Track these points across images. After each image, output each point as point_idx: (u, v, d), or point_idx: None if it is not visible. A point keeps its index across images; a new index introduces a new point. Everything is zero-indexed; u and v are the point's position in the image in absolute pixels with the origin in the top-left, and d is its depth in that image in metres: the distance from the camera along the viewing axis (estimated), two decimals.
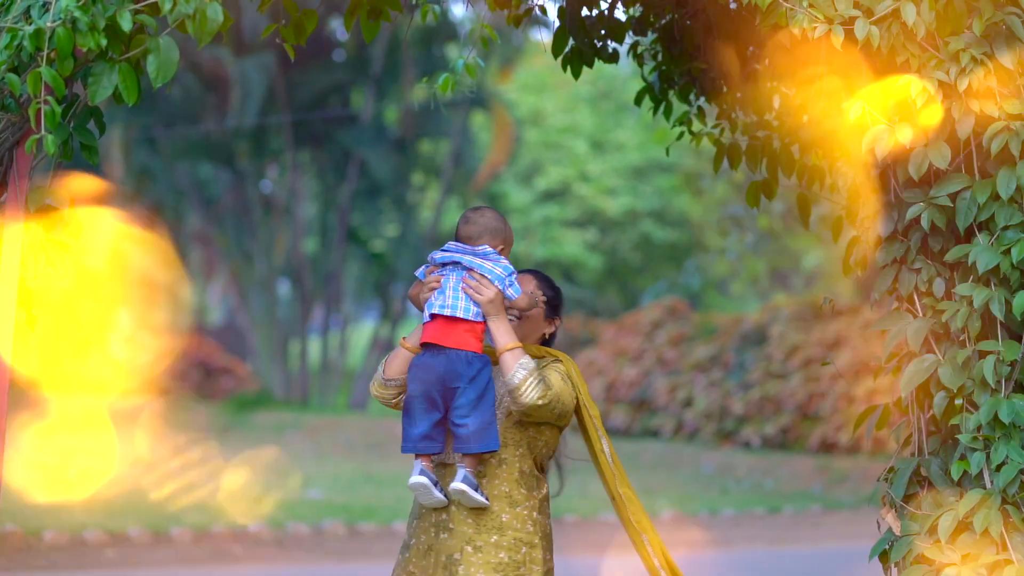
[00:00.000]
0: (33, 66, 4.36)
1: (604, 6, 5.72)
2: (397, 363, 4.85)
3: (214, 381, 27.94)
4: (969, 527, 4.57)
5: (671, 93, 5.88)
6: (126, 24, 4.30)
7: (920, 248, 4.80)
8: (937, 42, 4.62)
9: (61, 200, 4.59)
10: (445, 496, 4.73)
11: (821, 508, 15.21)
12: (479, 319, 4.77)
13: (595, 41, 5.74)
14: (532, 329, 4.90)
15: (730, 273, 26.51)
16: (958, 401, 4.67)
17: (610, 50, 5.78)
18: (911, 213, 4.71)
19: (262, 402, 26.16)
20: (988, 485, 4.60)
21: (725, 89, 5.77)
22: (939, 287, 4.74)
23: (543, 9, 5.69)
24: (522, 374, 4.70)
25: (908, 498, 4.76)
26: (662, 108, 5.91)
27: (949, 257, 4.72)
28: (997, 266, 4.61)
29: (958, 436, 4.65)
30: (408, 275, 26.98)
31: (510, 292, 4.79)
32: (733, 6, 5.40)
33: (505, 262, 4.81)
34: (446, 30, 26.20)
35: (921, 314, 4.77)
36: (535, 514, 4.83)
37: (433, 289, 4.80)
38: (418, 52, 26.45)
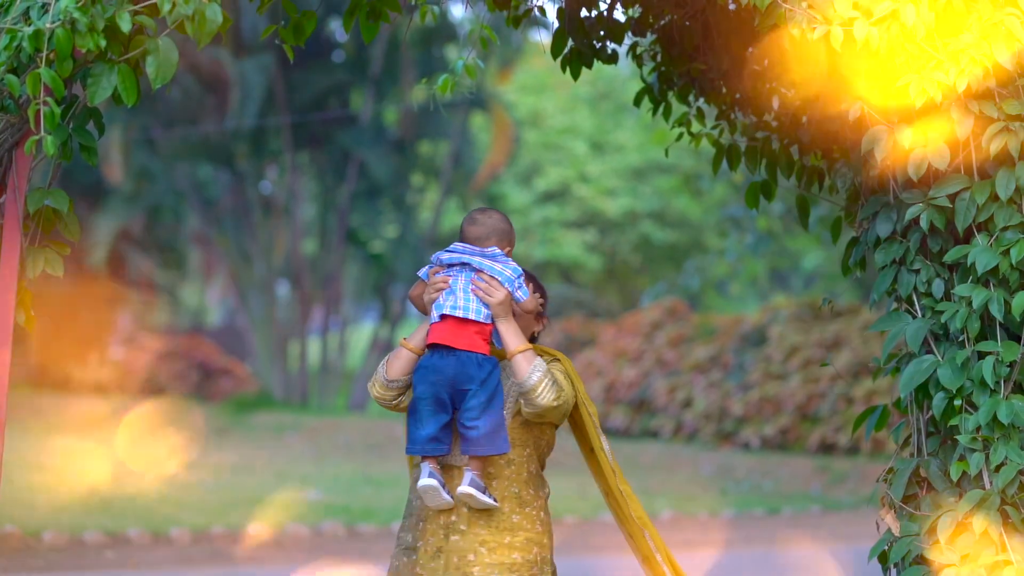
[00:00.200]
0: (32, 67, 4.37)
1: (603, 7, 5.72)
2: (399, 364, 4.82)
3: (213, 382, 27.94)
4: (968, 528, 4.57)
5: (670, 94, 5.89)
6: (125, 25, 4.30)
7: (919, 249, 4.80)
8: (936, 43, 4.62)
9: (60, 201, 4.59)
10: (451, 498, 4.72)
11: (820, 509, 15.21)
12: (488, 321, 4.77)
13: (594, 42, 5.75)
14: (524, 328, 4.91)
15: (729, 274, 26.51)
16: (957, 402, 4.67)
17: (609, 51, 5.78)
18: (910, 214, 4.72)
19: (261, 403, 26.17)
20: (987, 486, 4.60)
21: (724, 90, 5.77)
22: (938, 288, 4.75)
23: (542, 10, 5.69)
24: (537, 376, 4.72)
25: (907, 499, 4.77)
26: (661, 109, 5.91)
27: (948, 258, 4.72)
28: (996, 267, 4.61)
29: (957, 437, 4.66)
30: (407, 276, 26.97)
31: (519, 294, 4.80)
32: (732, 7, 5.40)
33: (514, 264, 4.82)
34: (445, 31, 26.21)
35: (920, 315, 4.78)
36: (542, 514, 4.86)
37: (440, 290, 4.78)
38: (417, 53, 26.46)
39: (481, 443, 4.68)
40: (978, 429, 4.62)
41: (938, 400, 4.69)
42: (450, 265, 4.82)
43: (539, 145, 32.03)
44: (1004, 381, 4.64)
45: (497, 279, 4.77)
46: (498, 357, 4.82)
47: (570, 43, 5.71)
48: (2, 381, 4.53)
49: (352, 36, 23.23)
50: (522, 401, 4.77)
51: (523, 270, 4.90)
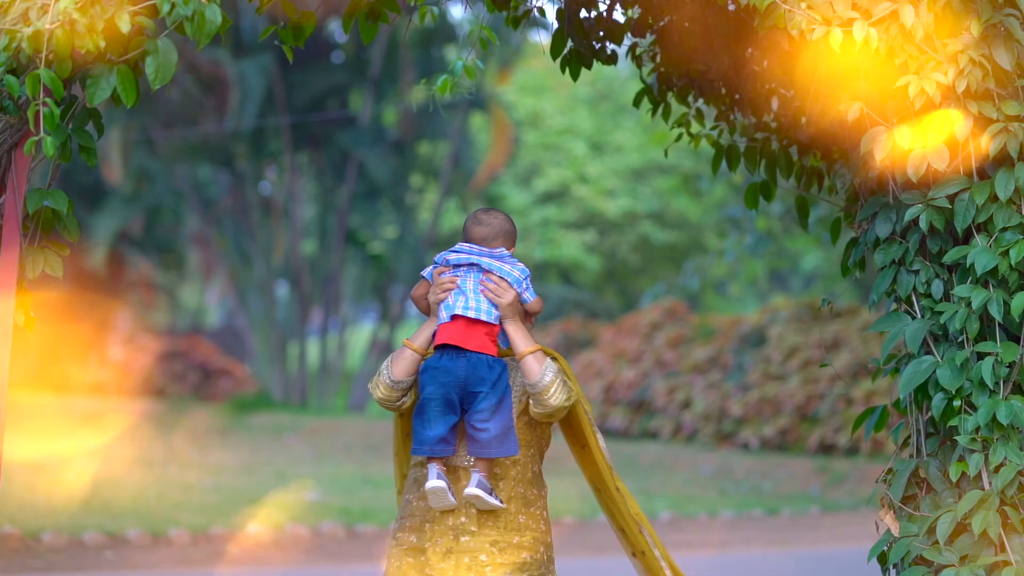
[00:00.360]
0: (32, 68, 4.37)
1: (602, 8, 5.72)
2: (404, 365, 4.80)
3: (213, 383, 27.94)
4: (968, 528, 4.58)
5: (669, 95, 5.89)
6: (124, 26, 4.30)
7: (918, 249, 4.81)
8: (935, 44, 4.62)
9: (59, 202, 4.59)
10: (455, 500, 4.72)
11: (820, 510, 15.21)
12: (497, 322, 4.77)
13: (593, 43, 5.75)
14: None
15: (729, 275, 26.50)
16: (956, 402, 4.67)
17: (608, 52, 5.78)
18: (909, 214, 4.72)
19: (261, 404, 26.17)
20: (986, 486, 4.60)
21: (723, 91, 5.77)
22: (937, 288, 4.75)
23: (542, 11, 5.69)
24: (550, 376, 4.74)
25: (907, 499, 4.77)
26: (661, 110, 5.91)
27: (947, 258, 4.72)
28: (995, 267, 4.61)
29: (956, 438, 4.66)
30: (407, 277, 26.99)
31: (526, 295, 4.80)
32: (731, 8, 5.40)
33: (522, 265, 4.83)
34: (445, 32, 26.21)
35: (919, 315, 4.78)
36: (545, 513, 4.89)
37: (448, 290, 4.77)
38: (417, 54, 26.46)
39: (491, 445, 4.69)
40: (977, 430, 4.62)
41: (937, 401, 4.69)
42: (457, 265, 4.81)
43: (538, 146, 32.04)
44: (1003, 382, 4.64)
45: (506, 280, 4.78)
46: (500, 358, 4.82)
47: (569, 44, 5.71)
48: (1, 382, 4.53)
49: (351, 37, 23.23)
50: (531, 401, 4.78)
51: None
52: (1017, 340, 4.68)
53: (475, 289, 4.76)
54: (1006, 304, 4.63)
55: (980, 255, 4.62)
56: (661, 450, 19.67)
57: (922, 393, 4.76)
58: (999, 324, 4.68)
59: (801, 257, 26.55)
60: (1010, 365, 4.64)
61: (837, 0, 4.57)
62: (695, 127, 5.94)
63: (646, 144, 30.45)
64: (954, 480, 4.65)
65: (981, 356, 4.67)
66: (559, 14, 5.67)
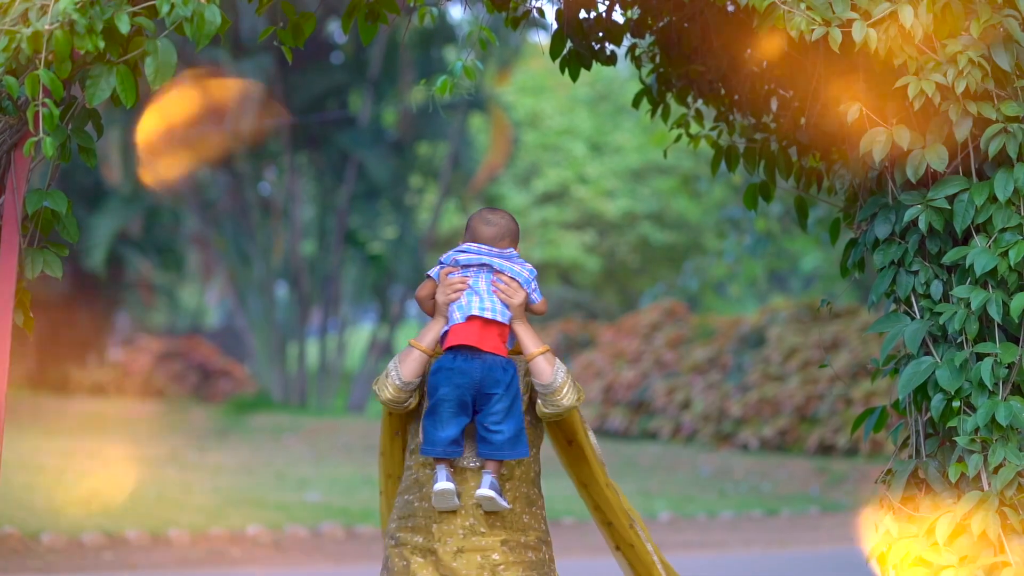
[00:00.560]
0: (31, 68, 4.36)
1: (602, 8, 5.72)
2: (414, 366, 4.78)
3: (212, 383, 27.94)
4: (967, 529, 4.58)
5: (669, 95, 5.89)
6: (124, 26, 4.30)
7: (918, 250, 4.81)
8: (935, 44, 4.62)
9: (59, 202, 4.59)
10: (459, 501, 4.73)
11: (819, 510, 15.22)
12: (509, 322, 4.77)
13: (593, 43, 5.75)
14: None
15: (728, 275, 26.50)
16: (956, 403, 4.67)
17: (608, 52, 5.78)
18: (909, 215, 4.72)
19: (260, 404, 26.16)
20: (986, 487, 4.60)
21: (723, 91, 5.77)
22: (937, 289, 4.75)
23: (541, 11, 5.69)
24: (562, 377, 4.77)
25: (906, 500, 4.77)
26: (660, 110, 5.91)
27: (947, 259, 4.72)
28: (995, 268, 4.61)
29: (956, 438, 4.66)
30: (406, 277, 26.98)
31: (534, 296, 4.81)
32: (731, 8, 5.40)
33: (530, 266, 4.83)
34: (444, 32, 26.20)
35: (919, 316, 4.78)
36: (543, 512, 4.91)
37: (459, 291, 4.76)
38: (416, 54, 26.45)
39: (505, 447, 4.70)
40: (976, 430, 4.62)
41: (936, 401, 4.69)
42: (466, 266, 4.80)
43: (538, 146, 32.04)
44: (1002, 382, 4.65)
45: (517, 280, 4.78)
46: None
47: (569, 44, 5.71)
48: (1, 382, 4.53)
49: (351, 38, 23.23)
50: (541, 402, 4.79)
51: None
52: (1016, 341, 4.68)
53: (488, 290, 4.75)
54: (1005, 305, 4.63)
55: (979, 256, 4.62)
56: (660, 451, 19.67)
57: (921, 394, 4.76)
58: (998, 325, 4.68)
59: (800, 258, 26.55)
60: (1009, 366, 4.64)
61: (836, 1, 4.57)
62: (694, 128, 5.94)
63: (645, 145, 30.45)
64: (953, 481, 4.65)
65: (980, 357, 4.67)
66: (558, 15, 5.67)
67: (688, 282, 26.64)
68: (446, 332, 4.78)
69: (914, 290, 4.79)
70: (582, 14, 5.70)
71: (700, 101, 5.88)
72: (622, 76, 30.70)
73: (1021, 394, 4.68)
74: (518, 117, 31.17)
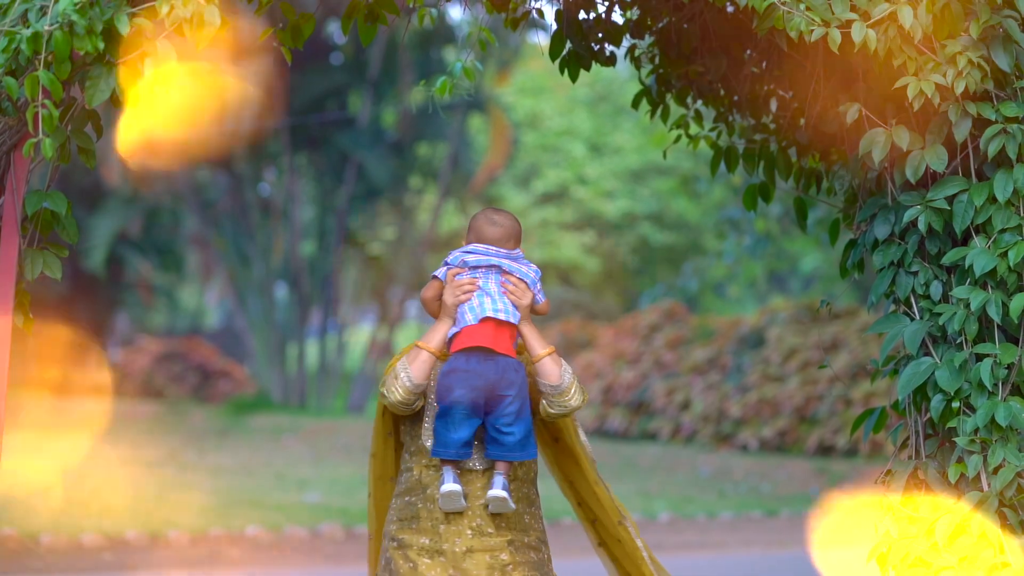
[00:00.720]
0: (31, 69, 4.36)
1: (601, 9, 5.72)
2: (424, 367, 4.76)
3: (212, 384, 27.95)
4: (967, 530, 4.57)
5: (668, 96, 5.88)
6: (123, 27, 4.30)
7: (917, 251, 4.81)
8: (934, 45, 4.62)
9: (58, 203, 4.59)
10: (466, 503, 4.73)
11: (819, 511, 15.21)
12: (518, 323, 4.77)
13: (592, 44, 5.74)
14: None
15: (728, 276, 26.51)
16: (955, 404, 4.67)
17: (607, 53, 5.77)
18: (908, 216, 4.72)
19: (260, 405, 26.16)
20: (985, 488, 4.60)
21: (722, 92, 5.77)
22: (936, 290, 4.75)
23: (540, 12, 5.69)
24: (568, 378, 4.80)
25: (906, 501, 4.76)
26: (659, 111, 5.91)
27: (946, 260, 4.72)
28: (994, 269, 4.61)
29: (955, 439, 4.66)
30: (406, 278, 26.98)
31: (539, 296, 4.82)
32: (730, 9, 5.40)
33: (535, 266, 4.83)
34: (443, 33, 26.21)
35: (918, 317, 4.78)
36: (540, 512, 4.93)
37: (469, 292, 4.75)
38: (415, 55, 26.46)
39: (516, 449, 4.71)
40: (976, 431, 4.62)
41: (936, 402, 4.69)
42: (474, 267, 4.79)
43: (537, 147, 32.05)
44: (1002, 383, 4.65)
45: (525, 282, 4.78)
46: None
47: (568, 45, 5.71)
48: (0, 383, 4.53)
49: (350, 38, 23.24)
50: (547, 403, 4.81)
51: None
52: (1016, 341, 4.68)
53: (499, 291, 4.75)
54: (1005, 305, 4.63)
55: (979, 256, 4.62)
56: (660, 451, 19.67)
57: (921, 394, 4.76)
58: (998, 325, 4.68)
59: (800, 258, 26.56)
60: (1009, 367, 4.64)
61: (836, 1, 4.57)
62: (694, 128, 5.94)
63: (645, 145, 30.47)
64: (953, 481, 4.65)
65: (980, 358, 4.67)
66: (558, 15, 5.67)
67: (688, 283, 26.66)
68: (455, 334, 4.76)
69: (913, 291, 4.79)
70: (581, 15, 5.70)
71: (699, 102, 5.88)
72: (621, 77, 30.70)
73: (1020, 395, 4.68)
74: (518, 118, 31.18)
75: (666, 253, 32.17)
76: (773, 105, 5.68)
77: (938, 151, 4.67)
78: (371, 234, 29.24)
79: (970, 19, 4.61)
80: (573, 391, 4.79)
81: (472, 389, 4.67)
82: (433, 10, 5.20)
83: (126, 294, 31.90)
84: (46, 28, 4.29)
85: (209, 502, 13.76)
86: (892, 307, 4.89)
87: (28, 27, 4.33)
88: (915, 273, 4.79)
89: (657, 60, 5.83)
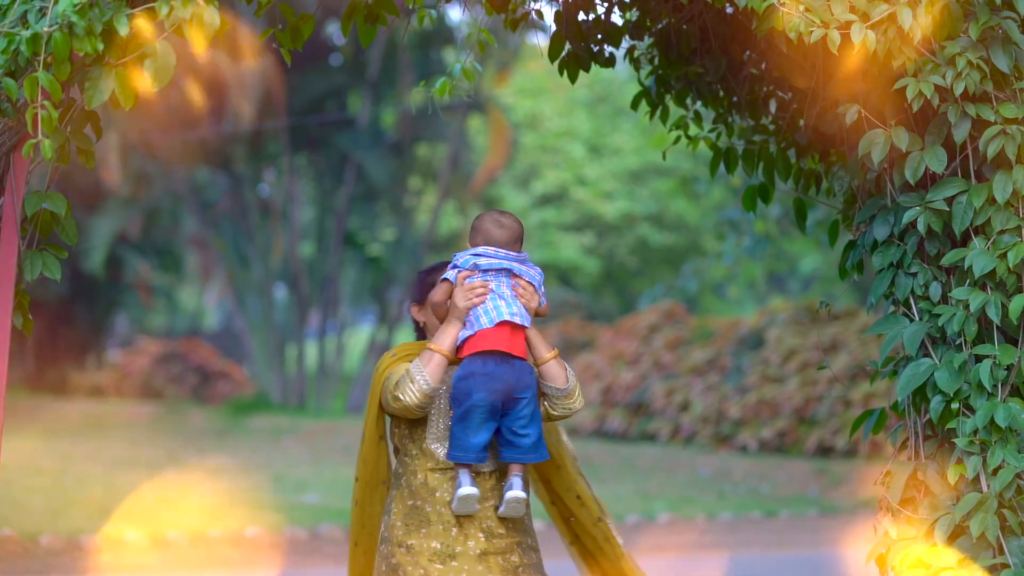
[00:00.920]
0: (30, 70, 4.36)
1: (600, 10, 5.72)
2: (439, 370, 4.74)
3: (211, 385, 27.94)
4: (966, 531, 4.57)
5: (668, 97, 5.88)
6: (123, 28, 4.30)
7: (916, 252, 4.81)
8: (933, 46, 4.62)
9: (58, 204, 4.59)
10: (478, 506, 4.74)
11: (818, 512, 15.22)
12: (528, 326, 4.79)
13: (592, 45, 5.74)
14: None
15: (727, 277, 26.52)
16: (955, 405, 4.67)
17: (607, 54, 5.77)
18: (907, 217, 4.72)
19: (259, 406, 26.16)
20: (985, 489, 4.60)
21: (722, 93, 5.77)
22: (935, 291, 4.75)
23: (540, 13, 5.69)
24: (573, 380, 4.85)
25: (905, 502, 4.77)
26: (659, 112, 5.90)
27: (945, 261, 4.72)
28: (993, 270, 4.61)
29: (955, 440, 4.66)
30: (405, 279, 26.96)
31: (542, 299, 4.83)
32: (729, 10, 5.40)
33: (539, 268, 4.84)
34: (443, 34, 26.22)
35: (918, 318, 4.78)
36: (530, 512, 4.94)
37: (481, 295, 4.74)
38: (415, 56, 26.46)
39: (531, 451, 4.72)
40: (975, 432, 4.62)
41: (935, 403, 4.69)
42: (485, 270, 4.78)
43: (537, 148, 32.05)
44: (1001, 384, 4.65)
45: (533, 285, 4.79)
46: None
47: (567, 46, 5.71)
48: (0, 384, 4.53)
49: (350, 39, 23.23)
50: (550, 405, 4.83)
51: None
52: (1015, 343, 4.68)
53: (511, 294, 4.75)
54: (1004, 307, 4.63)
55: (978, 257, 4.62)
56: (659, 452, 19.67)
57: (920, 395, 4.76)
58: (997, 327, 4.68)
59: (799, 259, 26.57)
60: (1008, 368, 4.64)
61: (835, 2, 4.57)
62: (693, 129, 5.94)
63: (644, 146, 30.47)
64: (952, 482, 4.65)
65: (979, 359, 4.67)
66: (557, 16, 5.67)
67: (687, 284, 26.65)
68: (469, 337, 4.74)
69: (913, 292, 4.79)
70: (581, 16, 5.70)
71: (699, 103, 5.88)
72: (621, 78, 30.71)
73: (1020, 396, 4.68)
74: (517, 119, 31.19)
75: (665, 254, 32.17)
76: (772, 106, 5.68)
77: (937, 152, 4.67)
78: (370, 235, 29.25)
79: (969, 20, 4.61)
80: (577, 393, 4.83)
81: (491, 392, 4.66)
82: (432, 11, 5.20)
83: (125, 295, 31.90)
84: (45, 29, 4.29)
85: (208, 503, 13.76)
86: (891, 308, 4.89)
87: (27, 28, 4.33)
88: (914, 274, 4.79)
89: (656, 61, 5.83)
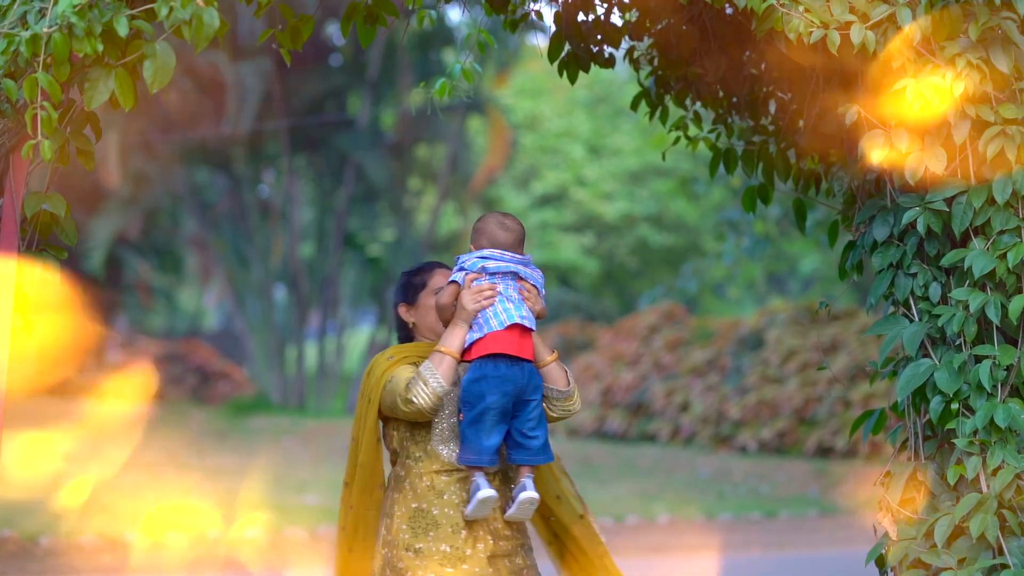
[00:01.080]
0: (29, 71, 4.36)
1: (600, 11, 5.72)
2: (450, 373, 4.72)
3: (211, 386, 27.92)
4: (965, 531, 4.57)
5: (667, 98, 5.88)
6: (122, 29, 4.30)
7: (916, 252, 4.81)
8: (933, 47, 4.62)
9: (57, 205, 4.59)
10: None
11: (818, 513, 15.21)
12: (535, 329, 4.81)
13: (591, 46, 5.75)
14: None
15: (727, 277, 26.53)
16: (954, 405, 4.67)
17: (606, 55, 5.78)
18: (907, 217, 4.72)
19: (259, 407, 26.15)
20: (984, 489, 4.60)
21: (721, 94, 5.77)
22: (935, 291, 4.75)
23: (539, 14, 5.69)
24: (572, 382, 4.89)
25: (904, 502, 4.76)
26: (658, 113, 5.91)
27: (945, 261, 4.72)
28: (993, 270, 4.61)
29: (954, 441, 4.66)
30: None
31: (543, 302, 4.85)
32: (729, 11, 5.40)
33: (540, 271, 4.85)
34: (442, 35, 26.22)
35: (917, 318, 4.78)
36: None
37: (491, 298, 4.74)
38: (415, 57, 26.46)
39: (540, 453, 4.73)
40: (975, 433, 4.62)
41: (935, 404, 4.69)
42: (493, 273, 4.78)
43: (536, 149, 32.05)
44: (1001, 385, 4.65)
45: (536, 288, 4.80)
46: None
47: (567, 47, 5.71)
48: None
49: (349, 40, 23.23)
50: (549, 407, 4.84)
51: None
52: (1015, 343, 4.68)
53: (519, 297, 4.75)
54: (1004, 307, 4.63)
55: (978, 258, 4.62)
56: (659, 453, 19.67)
57: (920, 396, 4.76)
58: (997, 327, 4.68)
59: (799, 260, 26.57)
60: (1008, 368, 4.64)
61: (835, 3, 4.57)
62: (693, 130, 5.94)
63: (644, 147, 30.47)
64: (952, 483, 4.64)
65: (979, 359, 4.67)
66: (557, 17, 5.67)
67: (687, 284, 26.65)
68: (478, 339, 4.72)
69: (912, 292, 4.79)
70: (580, 17, 5.70)
71: (698, 103, 5.88)
72: (620, 78, 30.71)
73: (1020, 396, 4.68)
74: (517, 119, 31.19)
75: (665, 255, 32.17)
76: (772, 107, 5.68)
77: (937, 153, 4.67)
78: (370, 235, 29.25)
79: (969, 21, 4.61)
80: (576, 395, 4.86)
81: (504, 395, 4.67)
82: (432, 12, 5.20)
83: (125, 296, 31.89)
84: (45, 30, 4.29)
85: (208, 504, 13.75)
86: (891, 309, 4.89)
87: (27, 29, 4.33)
88: (914, 275, 4.79)
89: (656, 62, 5.83)
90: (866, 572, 5.09)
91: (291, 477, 16.65)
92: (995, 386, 4.63)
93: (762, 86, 5.63)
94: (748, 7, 4.58)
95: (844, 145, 5.13)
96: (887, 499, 4.78)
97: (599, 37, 5.75)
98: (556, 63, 5.73)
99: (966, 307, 4.65)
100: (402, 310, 4.99)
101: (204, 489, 14.97)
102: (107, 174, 26.06)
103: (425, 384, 4.69)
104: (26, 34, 4.30)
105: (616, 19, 5.75)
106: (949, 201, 4.69)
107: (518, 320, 4.70)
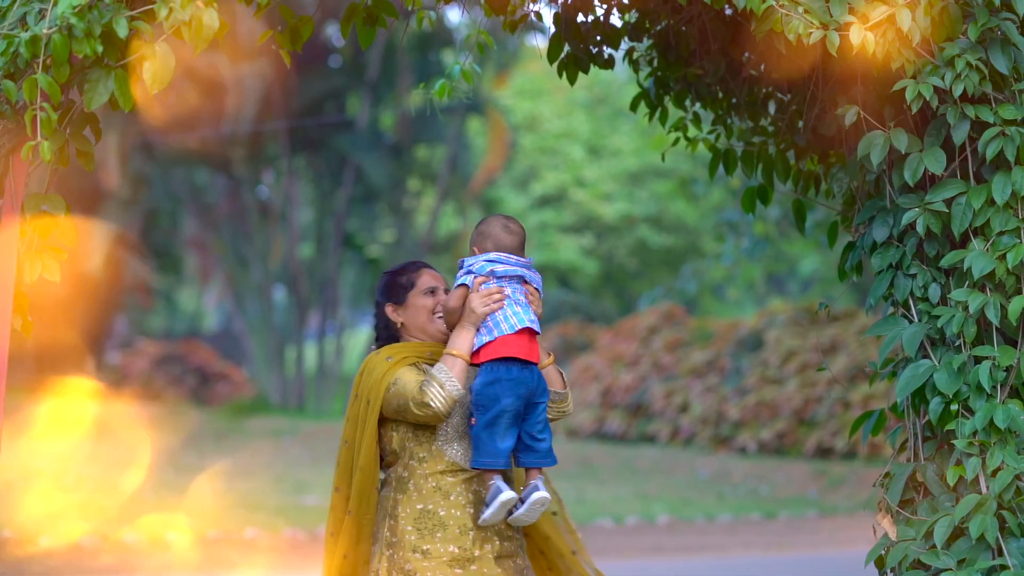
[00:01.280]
0: (29, 72, 4.36)
1: (599, 12, 5.72)
2: (464, 376, 4.71)
3: (210, 387, 27.93)
4: (965, 532, 4.57)
5: (667, 99, 5.88)
6: (122, 31, 4.30)
7: (916, 253, 4.81)
8: (932, 48, 4.62)
9: (57, 206, 4.59)
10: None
11: (817, 513, 15.22)
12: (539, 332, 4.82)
13: (591, 47, 5.74)
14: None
15: (726, 278, 26.53)
16: (954, 406, 4.67)
17: (606, 56, 5.77)
18: (907, 218, 4.72)
19: (258, 408, 26.16)
20: (984, 490, 4.60)
21: (720, 94, 5.76)
22: (934, 292, 4.75)
23: (539, 15, 5.68)
24: (567, 385, 4.91)
25: (904, 503, 4.77)
26: (658, 114, 5.90)
27: (944, 262, 4.72)
28: (992, 271, 4.61)
29: (954, 441, 4.66)
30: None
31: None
32: (728, 12, 5.40)
33: (538, 273, 4.87)
34: (442, 36, 26.22)
35: (917, 319, 4.78)
36: None
37: (500, 301, 4.73)
38: (414, 58, 26.47)
39: (548, 455, 4.75)
40: (975, 433, 4.62)
41: (935, 404, 4.69)
42: (501, 276, 4.77)
43: (536, 150, 32.05)
44: (1000, 385, 4.65)
45: (538, 291, 4.81)
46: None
47: (566, 48, 5.71)
48: None
49: (349, 41, 23.21)
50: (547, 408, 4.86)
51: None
52: (1014, 344, 4.68)
53: (525, 301, 4.76)
54: (1003, 308, 4.63)
55: (977, 259, 4.62)
56: (659, 454, 19.67)
57: (919, 397, 4.75)
58: (996, 328, 4.68)
59: (798, 261, 26.56)
60: (1007, 369, 4.64)
61: (834, 4, 4.57)
62: (692, 131, 5.94)
63: (643, 148, 30.47)
64: (951, 484, 4.64)
65: (978, 360, 4.67)
66: (556, 18, 5.67)
67: (686, 285, 26.66)
68: (488, 343, 4.70)
69: (912, 293, 4.79)
70: (580, 18, 5.70)
71: (698, 104, 5.87)
72: (620, 79, 30.72)
73: (1019, 397, 4.68)
74: (516, 120, 31.19)
75: (664, 255, 32.18)
76: (771, 108, 5.68)
77: (936, 154, 4.67)
78: (369, 236, 29.25)
79: (968, 22, 4.61)
80: (570, 398, 4.90)
81: (518, 398, 4.67)
82: (432, 13, 5.20)
83: (125, 297, 31.89)
84: (45, 31, 4.29)
85: (207, 505, 13.76)
86: (891, 309, 4.89)
87: (27, 30, 4.33)
88: (913, 275, 4.79)
89: (655, 63, 5.83)
90: (865, 573, 5.09)
91: (290, 478, 16.66)
92: (995, 387, 4.63)
93: (761, 87, 5.63)
94: (747, 8, 4.58)
95: (844, 146, 5.13)
96: (887, 500, 4.78)
97: (598, 38, 5.74)
98: (555, 64, 5.73)
99: (965, 308, 4.65)
100: (389, 310, 4.92)
101: (203, 490, 14.97)
102: (107, 175, 26.08)
103: (441, 387, 4.65)
104: (26, 35, 4.30)
105: (615, 20, 5.75)
106: (948, 202, 4.70)
107: (528, 324, 4.72)
